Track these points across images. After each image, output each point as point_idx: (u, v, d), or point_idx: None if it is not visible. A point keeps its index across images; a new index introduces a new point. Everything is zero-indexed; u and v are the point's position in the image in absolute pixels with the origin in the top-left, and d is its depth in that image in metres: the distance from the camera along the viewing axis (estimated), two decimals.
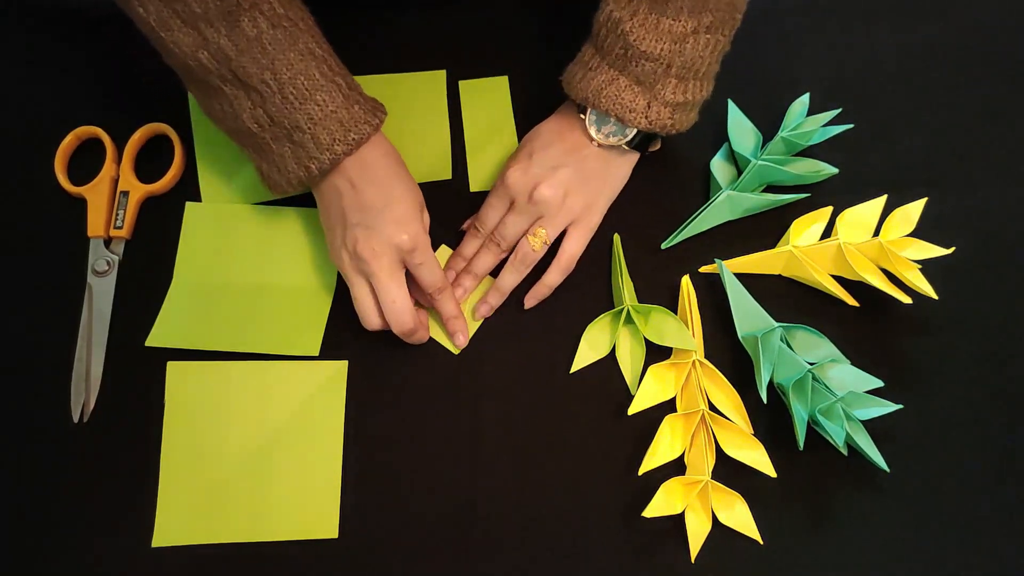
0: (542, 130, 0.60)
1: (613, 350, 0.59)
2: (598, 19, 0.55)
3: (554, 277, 0.59)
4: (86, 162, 0.64)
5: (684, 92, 0.55)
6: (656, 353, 0.59)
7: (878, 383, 0.54)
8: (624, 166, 0.61)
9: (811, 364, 0.55)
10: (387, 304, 0.54)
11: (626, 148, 0.58)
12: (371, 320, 0.56)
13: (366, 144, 0.54)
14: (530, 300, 0.60)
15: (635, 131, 0.57)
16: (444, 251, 0.62)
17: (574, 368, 0.58)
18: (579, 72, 0.57)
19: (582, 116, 0.58)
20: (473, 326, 0.60)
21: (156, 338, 0.58)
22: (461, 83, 0.68)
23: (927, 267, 0.57)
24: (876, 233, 0.59)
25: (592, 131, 0.57)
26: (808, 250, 0.59)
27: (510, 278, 0.59)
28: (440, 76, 0.68)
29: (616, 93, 0.55)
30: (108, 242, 0.62)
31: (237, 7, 0.49)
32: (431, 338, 0.59)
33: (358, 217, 0.54)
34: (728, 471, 0.54)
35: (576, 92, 0.57)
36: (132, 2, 0.49)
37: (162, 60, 0.53)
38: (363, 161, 0.54)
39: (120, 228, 0.62)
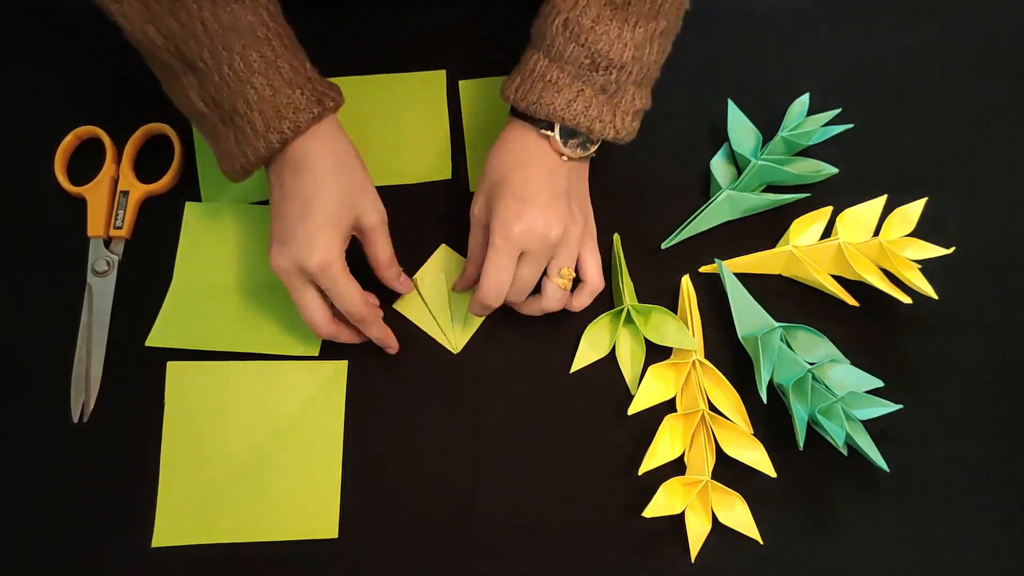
0: (511, 164, 0.55)
1: (613, 350, 0.59)
2: (549, 26, 0.52)
3: (587, 300, 0.57)
4: (86, 162, 0.64)
5: (641, 99, 0.55)
6: (656, 353, 0.59)
7: (878, 383, 0.54)
8: (586, 170, 0.58)
9: (811, 364, 0.55)
10: (301, 315, 0.54)
11: (592, 156, 0.57)
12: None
13: (306, 135, 0.52)
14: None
15: (599, 143, 0.55)
16: (444, 251, 0.62)
17: (574, 368, 0.58)
18: (536, 86, 0.53)
19: (547, 133, 0.54)
20: (469, 331, 0.60)
21: (156, 338, 0.58)
22: (461, 83, 0.68)
23: (927, 267, 0.57)
24: (876, 233, 0.59)
25: (562, 148, 0.54)
26: (808, 250, 0.59)
27: (536, 313, 0.57)
28: (440, 76, 0.68)
29: (584, 107, 0.52)
30: (108, 242, 0.62)
31: None
32: (431, 338, 0.59)
33: (277, 226, 0.53)
34: (728, 471, 0.54)
35: (539, 110, 0.53)
36: None
37: None
38: (292, 159, 0.52)
39: (120, 228, 0.62)
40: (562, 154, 0.54)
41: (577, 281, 0.57)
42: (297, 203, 0.52)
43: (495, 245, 0.53)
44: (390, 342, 0.57)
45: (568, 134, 0.54)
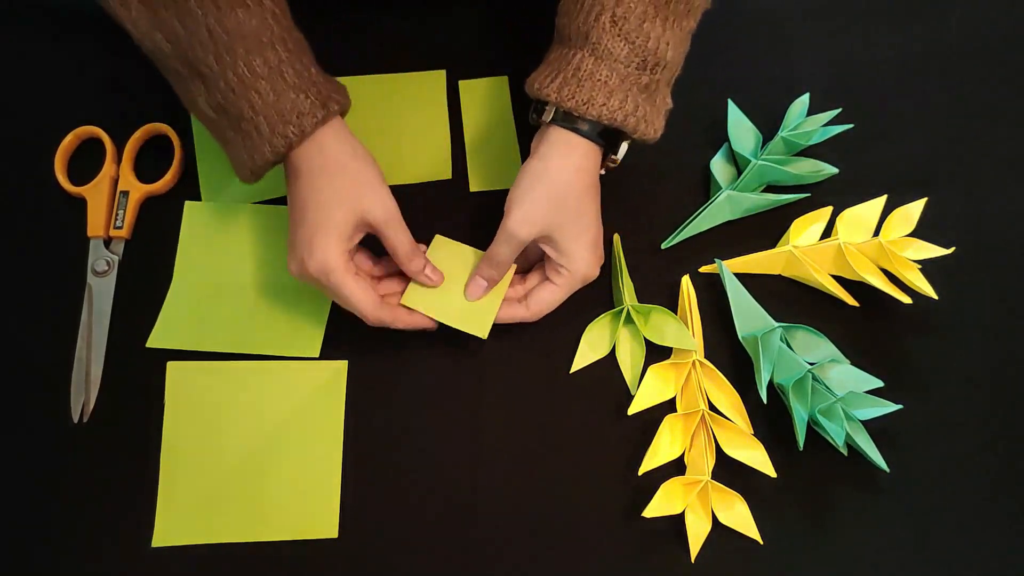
0: (576, 193, 0.54)
1: (613, 350, 0.59)
2: (594, 24, 0.51)
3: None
4: (86, 162, 0.64)
5: (668, 99, 0.55)
6: (656, 353, 0.59)
7: (878, 383, 0.54)
8: None
9: (811, 364, 0.55)
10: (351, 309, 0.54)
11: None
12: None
13: (306, 141, 0.52)
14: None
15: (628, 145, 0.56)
16: (440, 241, 0.59)
17: (574, 368, 0.58)
18: (584, 86, 0.52)
19: (614, 158, 0.55)
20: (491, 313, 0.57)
21: (157, 339, 0.58)
22: (461, 83, 0.68)
23: (927, 267, 0.57)
24: (876, 233, 0.59)
25: (620, 157, 0.56)
26: (808, 250, 0.59)
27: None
28: (440, 76, 0.68)
29: (634, 107, 0.52)
30: (108, 242, 0.62)
31: None
32: (432, 338, 0.59)
33: (289, 232, 0.54)
34: (728, 471, 0.54)
35: (591, 110, 0.51)
36: None
37: None
38: (294, 164, 0.53)
39: (120, 228, 0.62)
40: (614, 162, 0.56)
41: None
42: (296, 209, 0.53)
43: (569, 285, 0.55)
44: (423, 323, 0.56)
45: (612, 138, 0.54)
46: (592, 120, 0.52)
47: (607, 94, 0.52)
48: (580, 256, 0.54)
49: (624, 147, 0.55)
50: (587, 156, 0.54)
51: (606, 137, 0.54)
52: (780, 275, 0.62)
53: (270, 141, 0.51)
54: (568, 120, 0.53)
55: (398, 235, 0.54)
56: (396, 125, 0.66)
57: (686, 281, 0.61)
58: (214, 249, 0.62)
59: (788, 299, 0.60)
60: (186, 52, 0.50)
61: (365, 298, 0.53)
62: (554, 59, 0.54)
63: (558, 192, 0.53)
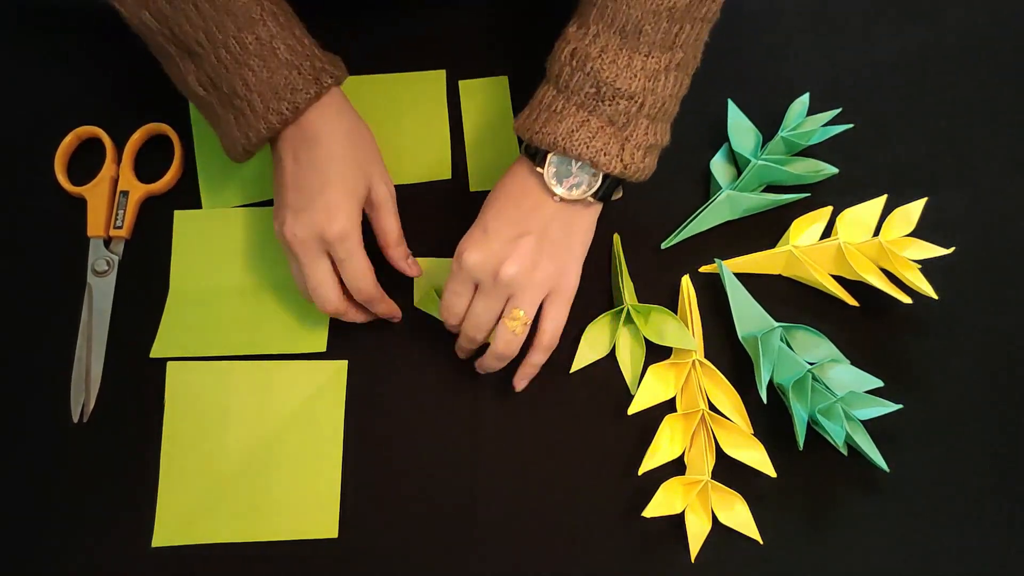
0: (492, 198, 0.54)
1: (613, 350, 0.59)
2: (558, 58, 0.51)
3: (539, 357, 0.54)
4: (86, 162, 0.64)
5: (655, 134, 0.51)
6: (656, 353, 0.59)
7: (878, 383, 0.54)
8: (588, 219, 0.54)
9: (811, 364, 0.55)
10: (312, 289, 0.53)
11: (591, 201, 0.52)
12: (306, 296, 0.54)
13: (311, 111, 0.52)
14: (520, 381, 0.55)
15: (600, 182, 0.51)
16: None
17: (574, 368, 0.58)
18: (540, 116, 0.51)
19: (539, 170, 0.51)
20: None
21: (160, 350, 0.58)
22: (461, 83, 0.68)
23: (927, 267, 0.57)
24: (876, 233, 0.59)
25: (553, 186, 0.51)
26: (808, 250, 0.59)
27: (495, 365, 0.55)
28: (440, 76, 0.68)
29: (588, 136, 0.49)
30: (108, 242, 0.62)
31: None
32: (431, 338, 0.59)
33: (291, 197, 0.52)
34: (728, 471, 0.54)
35: (540, 139, 0.50)
36: None
37: None
38: (305, 133, 0.52)
39: (120, 228, 0.62)
40: (553, 194, 0.51)
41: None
42: (314, 174, 0.52)
43: (452, 270, 0.53)
44: (395, 312, 0.58)
45: (562, 173, 0.51)
46: (544, 152, 0.51)
47: (557, 122, 0.50)
48: (468, 234, 0.53)
49: (593, 180, 0.51)
50: (521, 171, 0.53)
51: (568, 174, 0.51)
52: (780, 275, 0.62)
53: (265, 117, 0.50)
54: (528, 151, 0.52)
55: (393, 216, 0.56)
56: (396, 125, 0.66)
57: (686, 281, 0.61)
58: (208, 256, 0.62)
59: (788, 299, 0.60)
60: (174, 30, 0.49)
61: (371, 270, 0.53)
62: (533, 96, 0.53)
63: (487, 197, 0.54)
